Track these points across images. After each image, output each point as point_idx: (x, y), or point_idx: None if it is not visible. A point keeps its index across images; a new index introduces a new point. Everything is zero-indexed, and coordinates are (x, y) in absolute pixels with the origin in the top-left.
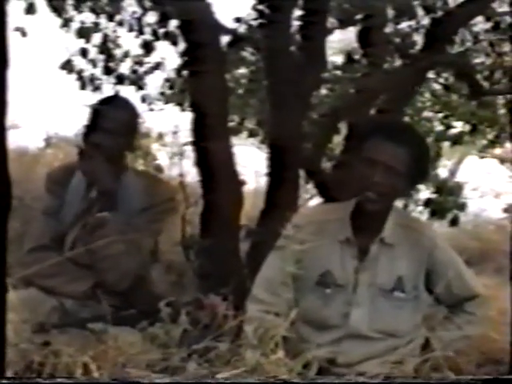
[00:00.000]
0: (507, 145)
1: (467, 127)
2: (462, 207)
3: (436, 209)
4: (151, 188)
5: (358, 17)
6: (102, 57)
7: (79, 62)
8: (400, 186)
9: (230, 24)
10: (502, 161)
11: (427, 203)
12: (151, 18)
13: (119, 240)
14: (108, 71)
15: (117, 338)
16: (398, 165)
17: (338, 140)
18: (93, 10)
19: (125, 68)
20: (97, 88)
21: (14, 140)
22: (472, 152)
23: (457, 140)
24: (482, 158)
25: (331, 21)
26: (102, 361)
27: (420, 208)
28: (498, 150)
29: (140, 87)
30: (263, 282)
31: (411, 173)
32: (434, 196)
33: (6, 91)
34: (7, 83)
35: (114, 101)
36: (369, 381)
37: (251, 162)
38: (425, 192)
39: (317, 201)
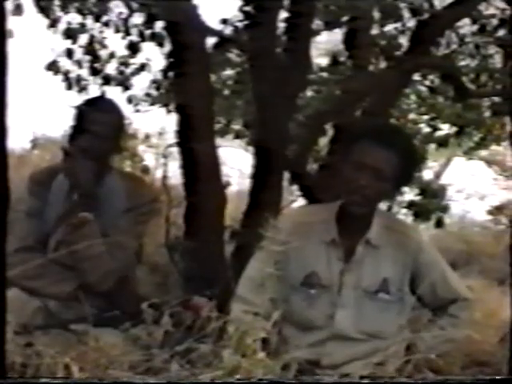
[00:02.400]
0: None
1: (453, 129)
2: (445, 209)
3: (419, 211)
4: (135, 189)
5: (344, 19)
6: (88, 57)
7: (65, 63)
8: (386, 189)
9: (216, 25)
10: (489, 163)
11: (411, 205)
12: (138, 19)
13: (101, 241)
14: (94, 72)
15: (98, 339)
16: (385, 168)
17: (324, 142)
18: (79, 11)
19: (111, 69)
20: (83, 89)
21: None
22: (458, 154)
23: (443, 142)
24: (469, 159)
25: (317, 23)
26: (83, 362)
27: (404, 210)
28: (484, 152)
29: (126, 88)
30: (247, 282)
31: (398, 176)
32: (417, 198)
33: (5, 91)
34: (7, 84)
35: (100, 103)
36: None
37: (238, 163)
38: (409, 194)
39: (301, 203)
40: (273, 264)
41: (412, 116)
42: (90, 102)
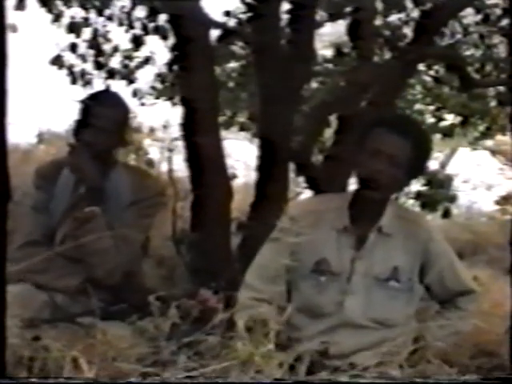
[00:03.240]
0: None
1: (458, 119)
2: (453, 199)
3: (426, 201)
4: (140, 182)
5: (348, 10)
6: (92, 52)
7: (69, 57)
8: (400, 177)
9: (219, 18)
10: (494, 153)
11: (418, 196)
12: (141, 12)
13: (108, 234)
14: (98, 66)
15: (106, 333)
16: (400, 156)
17: (329, 133)
18: (82, 5)
19: (115, 62)
20: (87, 83)
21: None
22: (464, 144)
23: (448, 132)
24: (474, 150)
25: (321, 14)
26: (91, 355)
27: (411, 201)
28: (489, 142)
29: (131, 81)
30: (256, 270)
31: (412, 166)
32: (424, 188)
33: (6, 86)
34: (7, 79)
35: (104, 97)
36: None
37: (243, 155)
38: (415, 185)
39: (307, 194)
40: (288, 255)
41: (418, 106)
42: (95, 96)
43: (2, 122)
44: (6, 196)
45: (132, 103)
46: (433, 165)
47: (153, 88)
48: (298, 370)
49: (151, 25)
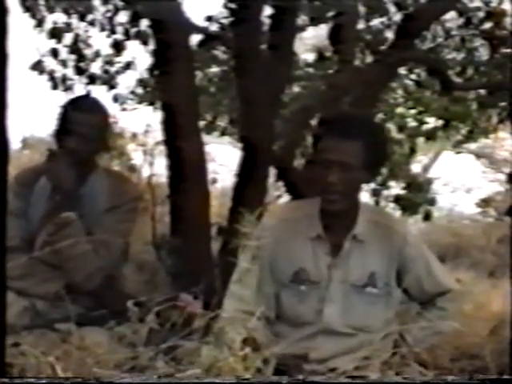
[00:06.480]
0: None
1: (440, 123)
2: (432, 202)
3: (406, 204)
4: (119, 187)
5: (330, 14)
6: (73, 57)
7: (50, 63)
8: (358, 179)
9: (201, 23)
10: (478, 156)
11: (397, 199)
12: (122, 17)
13: (85, 239)
14: (79, 71)
15: (83, 338)
16: (352, 160)
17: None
18: (65, 10)
19: (96, 68)
20: (68, 88)
21: None
22: (448, 148)
23: (430, 136)
24: (458, 153)
25: (303, 18)
26: (68, 361)
27: (392, 204)
28: (473, 146)
29: (112, 87)
30: (241, 278)
31: (369, 163)
32: (403, 192)
33: (6, 87)
34: (7, 79)
35: (83, 103)
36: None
37: (226, 159)
38: (395, 188)
39: (286, 198)
40: (250, 259)
41: (399, 110)
42: (74, 102)
43: (2, 121)
44: (5, 195)
45: (113, 108)
46: (415, 168)
47: (134, 93)
48: (266, 371)
49: (133, 30)
